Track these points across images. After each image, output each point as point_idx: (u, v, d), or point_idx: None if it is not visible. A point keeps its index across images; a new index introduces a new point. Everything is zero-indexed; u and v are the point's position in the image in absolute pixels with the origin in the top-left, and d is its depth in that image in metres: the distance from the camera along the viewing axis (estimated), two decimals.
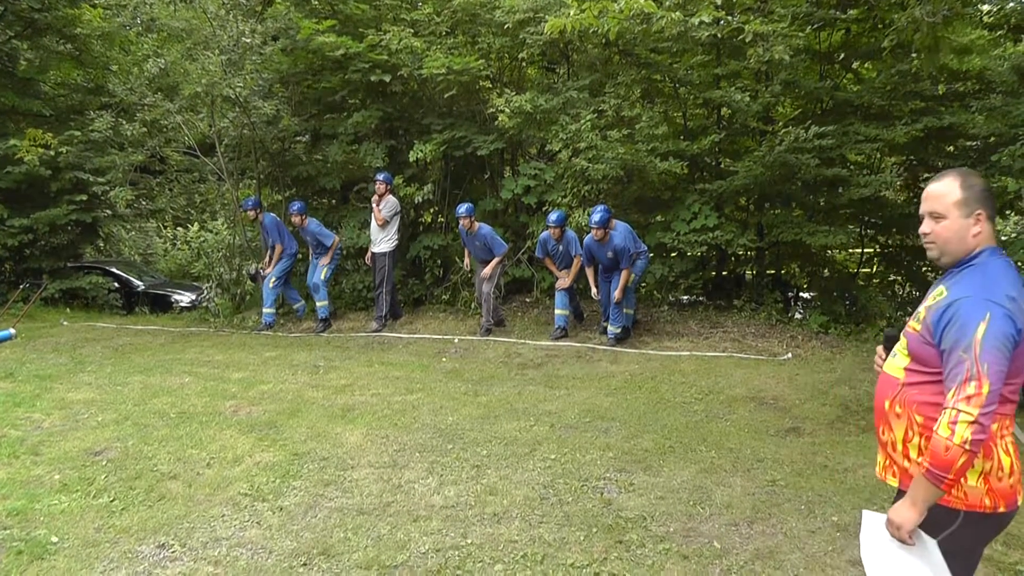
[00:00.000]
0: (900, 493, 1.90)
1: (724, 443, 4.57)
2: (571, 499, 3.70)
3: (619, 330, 7.47)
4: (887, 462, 1.98)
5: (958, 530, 1.80)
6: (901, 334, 1.96)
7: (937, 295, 1.84)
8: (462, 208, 7.96)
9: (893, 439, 1.92)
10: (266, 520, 3.48)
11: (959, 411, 1.65)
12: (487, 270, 8.04)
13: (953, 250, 1.86)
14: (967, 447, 1.64)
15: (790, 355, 7.01)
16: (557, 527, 3.39)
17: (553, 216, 7.63)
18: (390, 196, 8.45)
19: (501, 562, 3.08)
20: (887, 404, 1.92)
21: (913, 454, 1.87)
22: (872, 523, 1.91)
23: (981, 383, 1.64)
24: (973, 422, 1.63)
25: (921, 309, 1.89)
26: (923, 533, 1.78)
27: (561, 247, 7.76)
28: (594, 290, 7.63)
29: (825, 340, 7.52)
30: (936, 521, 1.78)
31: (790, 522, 3.45)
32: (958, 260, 1.85)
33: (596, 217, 7.10)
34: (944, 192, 1.85)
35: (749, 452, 4.41)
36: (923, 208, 1.92)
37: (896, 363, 1.94)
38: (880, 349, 2.10)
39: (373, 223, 8.48)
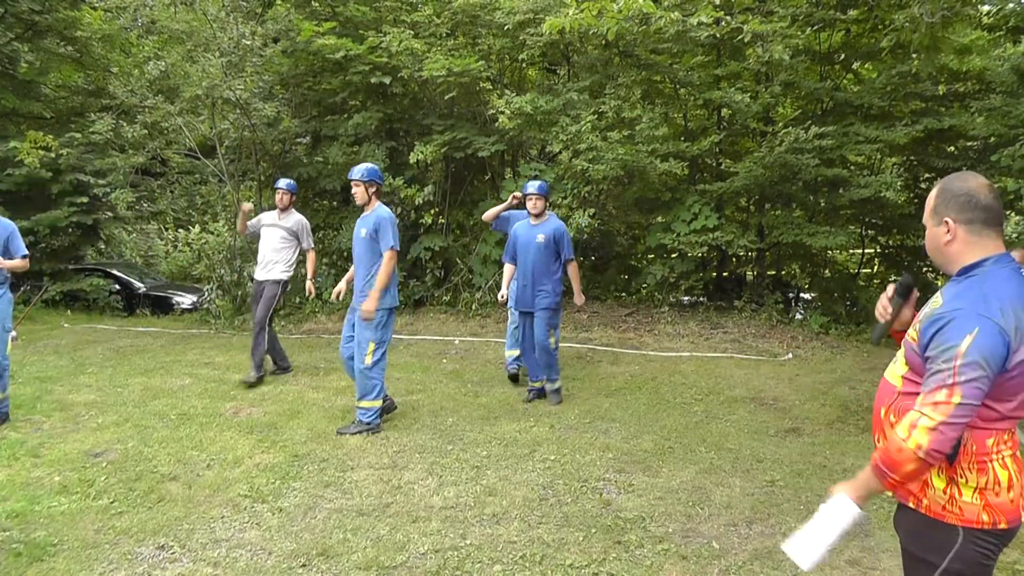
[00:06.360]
0: (900, 506, 1.85)
1: (724, 444, 4.57)
2: (570, 500, 3.70)
3: (558, 383, 5.60)
4: None
5: (961, 548, 1.73)
6: (902, 342, 1.89)
7: (932, 304, 1.79)
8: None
9: None
10: (266, 521, 3.49)
11: (921, 414, 1.60)
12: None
13: (936, 259, 1.83)
14: (919, 454, 1.58)
15: (790, 356, 7.01)
16: (556, 528, 3.39)
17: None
18: (294, 211, 6.42)
19: (500, 563, 3.08)
20: (883, 412, 1.87)
21: None
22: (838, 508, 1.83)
23: (952, 393, 1.58)
24: (933, 428, 1.57)
25: (920, 317, 1.84)
26: (859, 510, 1.73)
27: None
28: (503, 291, 5.72)
29: (825, 340, 7.52)
30: (939, 541, 1.74)
31: (789, 522, 3.44)
32: (954, 269, 1.79)
33: (537, 184, 5.49)
34: (927, 200, 1.84)
35: (748, 452, 4.41)
36: None
37: (895, 370, 1.88)
38: (890, 289, 2.02)
39: (265, 243, 6.24)
